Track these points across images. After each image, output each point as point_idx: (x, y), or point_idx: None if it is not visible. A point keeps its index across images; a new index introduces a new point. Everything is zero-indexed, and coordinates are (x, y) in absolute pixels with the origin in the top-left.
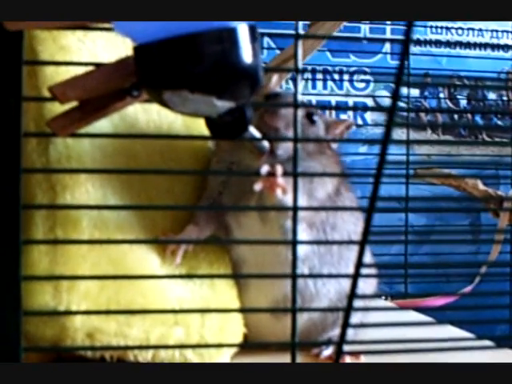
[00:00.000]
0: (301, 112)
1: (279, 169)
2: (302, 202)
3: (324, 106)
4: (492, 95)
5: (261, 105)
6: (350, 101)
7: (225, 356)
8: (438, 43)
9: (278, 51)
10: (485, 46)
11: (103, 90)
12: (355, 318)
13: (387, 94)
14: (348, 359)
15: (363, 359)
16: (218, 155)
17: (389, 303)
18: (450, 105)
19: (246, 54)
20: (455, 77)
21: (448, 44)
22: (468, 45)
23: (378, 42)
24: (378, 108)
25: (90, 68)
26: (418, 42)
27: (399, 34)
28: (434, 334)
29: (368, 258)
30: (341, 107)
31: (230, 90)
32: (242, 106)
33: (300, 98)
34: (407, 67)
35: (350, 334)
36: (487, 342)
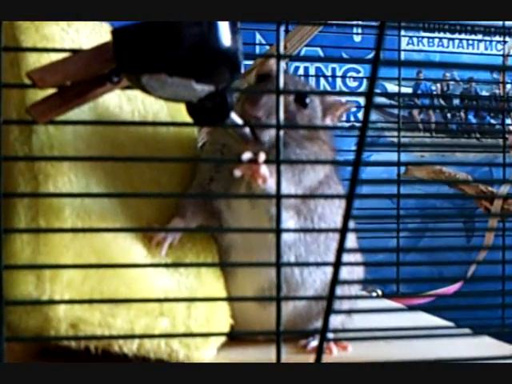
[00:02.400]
0: (291, 96)
1: (262, 156)
2: (290, 189)
3: (308, 92)
4: (485, 92)
5: (243, 91)
6: (343, 100)
7: (211, 347)
8: (413, 28)
9: (267, 47)
10: (476, 32)
11: (82, 75)
12: (343, 306)
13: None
14: (335, 349)
15: (350, 349)
16: (212, 136)
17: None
18: (443, 103)
19: (225, 37)
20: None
21: (429, 29)
22: (459, 31)
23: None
24: (355, 93)
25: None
26: (394, 28)
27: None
28: (415, 322)
29: (353, 246)
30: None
31: (209, 73)
32: (222, 91)
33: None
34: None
35: (338, 323)
36: (466, 330)
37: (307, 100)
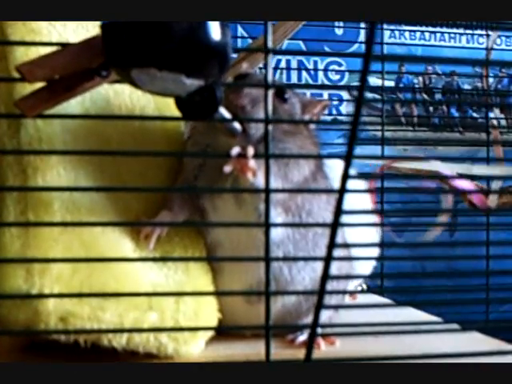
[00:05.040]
0: (270, 90)
1: (250, 150)
2: (277, 184)
3: (296, 85)
4: (467, 86)
5: (230, 85)
6: (325, 93)
7: (200, 341)
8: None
9: (250, 40)
10: (458, 26)
11: (71, 69)
12: (331, 302)
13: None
14: (322, 344)
15: (338, 343)
16: (193, 138)
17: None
18: (425, 97)
19: (214, 31)
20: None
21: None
22: (441, 25)
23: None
24: (348, 86)
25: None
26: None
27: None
28: (401, 317)
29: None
30: (312, 86)
31: (199, 67)
32: (211, 85)
33: (270, 78)
34: (381, 54)
35: (325, 318)
36: (453, 325)
37: (286, 95)
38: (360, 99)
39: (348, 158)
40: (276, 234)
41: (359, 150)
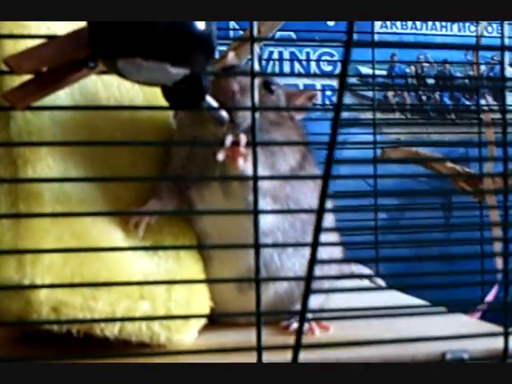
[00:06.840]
0: (258, 81)
1: (243, 138)
2: (265, 173)
3: (281, 74)
4: (459, 74)
5: (217, 74)
6: (318, 84)
7: (192, 329)
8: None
9: (241, 32)
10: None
11: (58, 61)
12: (323, 286)
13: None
14: (317, 330)
15: (332, 330)
16: (181, 130)
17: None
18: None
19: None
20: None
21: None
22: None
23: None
24: (329, 75)
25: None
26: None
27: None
28: (390, 301)
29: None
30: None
31: (183, 56)
32: (197, 74)
33: (257, 68)
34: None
35: (317, 304)
36: (442, 308)
37: (273, 86)
38: (342, 87)
39: (331, 145)
40: (265, 223)
41: (352, 138)
